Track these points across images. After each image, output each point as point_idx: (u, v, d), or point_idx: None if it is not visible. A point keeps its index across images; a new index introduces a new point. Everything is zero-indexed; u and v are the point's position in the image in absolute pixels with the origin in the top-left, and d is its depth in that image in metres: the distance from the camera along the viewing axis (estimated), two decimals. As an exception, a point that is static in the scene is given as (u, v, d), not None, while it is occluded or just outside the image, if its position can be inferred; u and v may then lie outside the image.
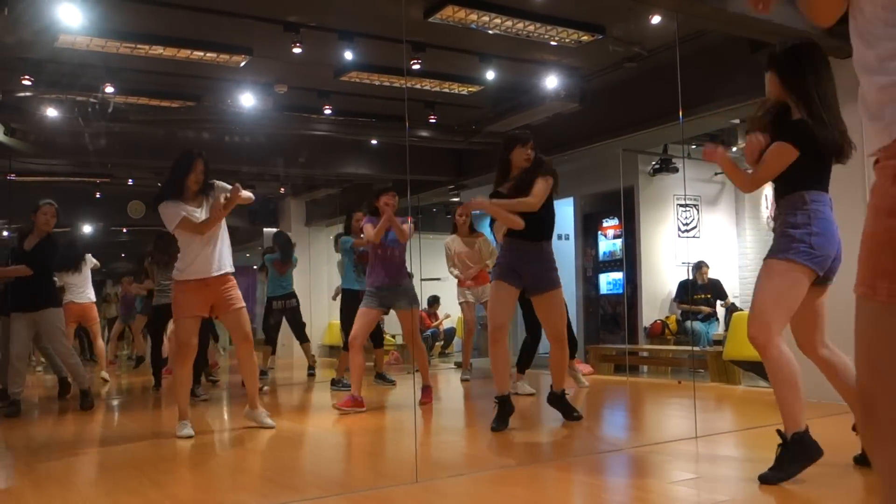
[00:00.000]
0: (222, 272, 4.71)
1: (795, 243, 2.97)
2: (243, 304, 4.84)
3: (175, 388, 4.84)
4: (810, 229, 2.96)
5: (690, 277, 9.21)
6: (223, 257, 4.74)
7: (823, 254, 2.96)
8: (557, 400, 4.74)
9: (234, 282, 4.83)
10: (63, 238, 6.30)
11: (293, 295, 8.40)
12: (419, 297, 7.51)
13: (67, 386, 6.74)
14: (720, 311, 9.20)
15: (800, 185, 3.03)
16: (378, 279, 5.54)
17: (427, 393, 5.78)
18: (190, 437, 4.55)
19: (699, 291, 9.10)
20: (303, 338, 8.57)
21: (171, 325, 7.33)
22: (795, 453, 2.96)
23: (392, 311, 5.75)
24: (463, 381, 7.51)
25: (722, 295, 9.19)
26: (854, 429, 3.00)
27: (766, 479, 2.98)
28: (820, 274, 2.99)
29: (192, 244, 4.65)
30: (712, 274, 9.28)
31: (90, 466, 4.03)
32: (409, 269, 5.84)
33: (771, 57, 3.15)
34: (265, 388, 6.96)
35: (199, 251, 4.65)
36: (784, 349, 2.98)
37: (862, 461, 3.11)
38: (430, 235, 11.26)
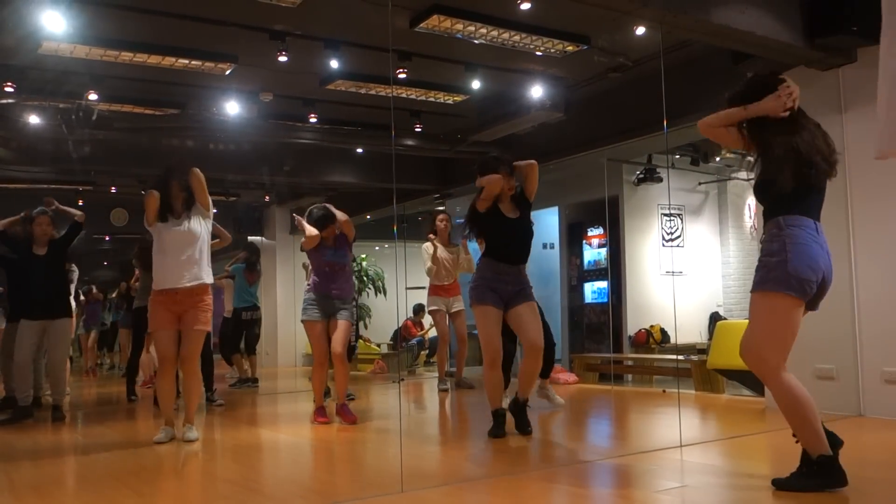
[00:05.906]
0: (195, 283, 4.67)
1: (772, 272, 2.92)
2: (206, 328, 4.81)
3: (159, 399, 4.93)
4: (785, 256, 2.90)
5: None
6: (198, 269, 4.70)
7: (803, 278, 2.88)
8: (520, 409, 4.67)
9: (208, 301, 4.75)
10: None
11: (258, 307, 8.71)
12: (404, 306, 7.50)
13: (40, 404, 6.55)
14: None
15: (778, 210, 2.99)
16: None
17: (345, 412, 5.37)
18: (169, 440, 4.66)
19: None
20: (252, 350, 8.82)
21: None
22: (815, 474, 2.90)
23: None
24: (441, 390, 7.45)
25: None
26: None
27: (779, 484, 2.96)
28: (804, 299, 2.92)
29: (164, 254, 4.66)
30: (700, 283, 9.24)
31: (70, 477, 3.98)
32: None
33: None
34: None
35: (171, 261, 4.64)
36: (786, 378, 2.92)
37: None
38: (416, 244, 11.20)
